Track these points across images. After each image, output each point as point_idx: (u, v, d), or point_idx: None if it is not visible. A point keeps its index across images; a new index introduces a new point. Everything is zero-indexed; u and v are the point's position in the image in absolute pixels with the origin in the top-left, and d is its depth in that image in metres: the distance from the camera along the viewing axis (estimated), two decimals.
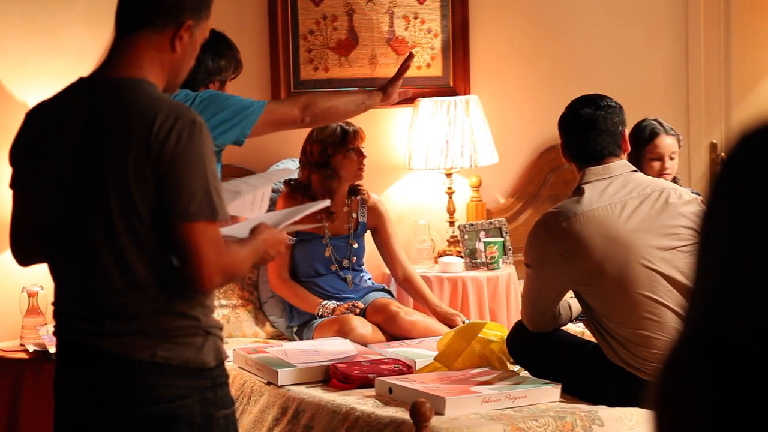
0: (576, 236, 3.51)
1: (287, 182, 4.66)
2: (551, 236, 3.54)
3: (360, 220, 4.73)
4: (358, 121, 4.75)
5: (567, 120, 3.67)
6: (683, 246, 3.54)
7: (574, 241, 3.51)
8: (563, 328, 3.84)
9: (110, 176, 2.33)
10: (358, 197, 4.72)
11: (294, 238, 4.61)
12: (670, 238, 3.55)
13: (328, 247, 4.65)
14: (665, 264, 3.52)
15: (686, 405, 1.01)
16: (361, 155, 4.59)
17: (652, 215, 3.56)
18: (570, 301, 3.76)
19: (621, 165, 3.62)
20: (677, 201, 3.59)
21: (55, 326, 2.49)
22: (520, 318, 3.84)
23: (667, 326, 3.49)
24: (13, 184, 2.50)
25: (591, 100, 3.67)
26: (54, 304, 2.50)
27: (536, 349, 3.73)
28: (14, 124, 2.90)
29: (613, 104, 3.66)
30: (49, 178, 2.41)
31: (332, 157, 4.57)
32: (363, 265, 4.77)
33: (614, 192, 3.57)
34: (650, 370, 3.47)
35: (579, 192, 3.59)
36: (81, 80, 2.47)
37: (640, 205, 3.56)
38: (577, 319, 3.84)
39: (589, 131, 3.60)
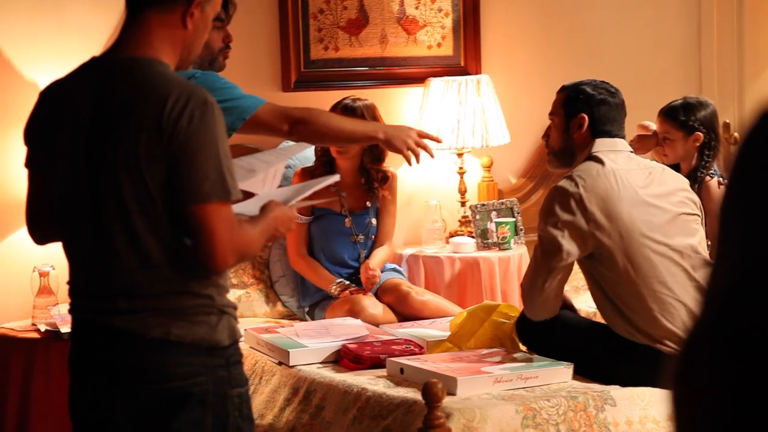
0: (603, 192, 3.56)
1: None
2: (579, 194, 3.56)
3: (374, 201, 4.71)
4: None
5: (604, 98, 3.73)
6: (690, 213, 3.70)
7: (602, 196, 3.56)
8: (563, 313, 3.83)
9: (122, 157, 2.33)
10: (377, 174, 4.66)
11: (309, 217, 4.61)
12: (677, 206, 3.68)
13: (348, 218, 4.64)
14: (677, 231, 3.63)
15: (708, 385, 0.99)
16: None
17: (660, 185, 3.68)
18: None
19: (623, 143, 3.75)
20: (675, 175, 3.80)
21: (70, 305, 2.50)
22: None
23: (678, 286, 3.56)
24: (28, 164, 2.51)
25: (607, 84, 3.81)
26: (69, 283, 2.50)
27: (545, 333, 3.72)
28: (24, 103, 2.90)
29: None
30: (62, 157, 2.41)
31: None
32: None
33: (624, 162, 3.68)
34: (658, 335, 3.50)
35: (590, 160, 3.66)
36: (93, 60, 2.47)
37: (647, 174, 3.69)
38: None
39: (624, 115, 3.77)
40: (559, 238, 3.57)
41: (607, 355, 3.60)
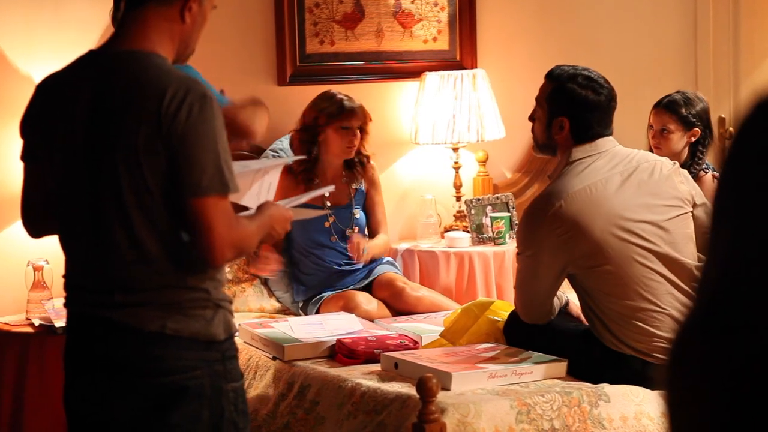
0: (574, 215, 3.48)
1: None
2: (548, 219, 3.49)
3: (359, 188, 4.70)
4: (363, 96, 4.72)
5: (587, 99, 3.61)
6: (677, 216, 3.59)
7: (573, 221, 3.48)
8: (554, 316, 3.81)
9: (120, 150, 2.33)
10: (358, 166, 4.67)
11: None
12: (662, 208, 3.57)
13: (331, 217, 4.62)
14: (657, 235, 3.53)
15: (700, 382, 0.99)
16: (351, 135, 4.53)
17: (642, 187, 3.58)
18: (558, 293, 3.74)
19: (606, 141, 3.64)
20: (665, 171, 3.65)
21: (65, 298, 2.49)
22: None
23: (664, 298, 3.50)
24: (24, 157, 2.50)
25: (594, 80, 3.65)
26: (65, 276, 2.50)
27: (532, 337, 3.70)
28: (20, 97, 2.88)
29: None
30: (59, 150, 2.41)
31: (322, 128, 4.53)
32: (367, 236, 4.73)
33: (602, 167, 3.58)
34: (645, 349, 3.47)
35: (567, 171, 3.58)
36: (91, 53, 2.47)
37: (629, 178, 3.58)
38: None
39: (610, 112, 3.64)
40: (539, 263, 3.53)
41: (593, 362, 3.58)
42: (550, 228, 3.49)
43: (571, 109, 3.60)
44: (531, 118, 3.76)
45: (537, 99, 3.73)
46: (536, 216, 3.53)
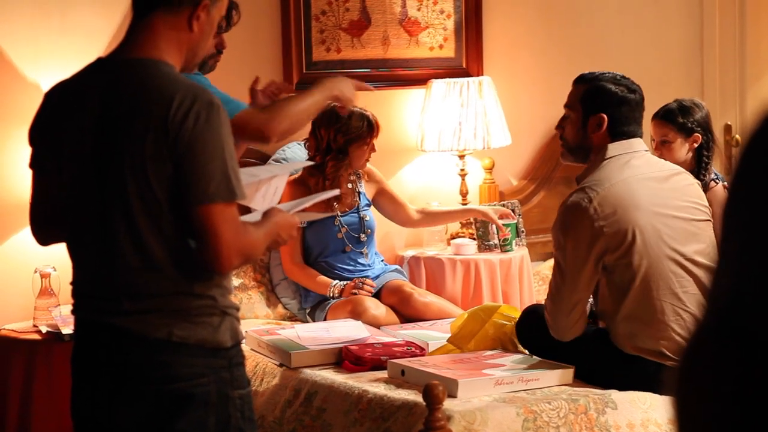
0: (614, 203, 3.49)
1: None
2: (589, 210, 3.48)
3: (361, 191, 4.72)
4: (370, 103, 4.73)
5: (625, 97, 3.63)
6: (704, 220, 3.63)
7: (613, 208, 3.48)
8: None
9: (128, 157, 2.34)
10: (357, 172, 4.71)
11: (305, 222, 4.60)
12: (693, 210, 3.61)
13: (342, 228, 4.63)
14: (687, 233, 3.56)
15: (711, 387, 0.99)
16: (371, 148, 4.60)
17: (676, 188, 3.62)
18: None
19: (639, 142, 3.67)
20: (689, 179, 3.71)
21: (73, 305, 2.50)
22: (530, 305, 3.81)
23: (691, 297, 3.52)
24: (33, 164, 2.51)
25: (627, 79, 3.70)
26: (72, 283, 2.51)
27: (545, 337, 3.69)
28: (26, 104, 2.92)
29: None
30: (67, 158, 2.42)
31: (350, 146, 4.54)
32: (374, 243, 4.75)
33: (640, 165, 3.60)
34: (667, 348, 3.47)
35: (606, 165, 3.59)
36: (99, 60, 2.48)
37: (663, 179, 3.62)
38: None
39: (642, 112, 3.68)
40: (577, 256, 3.50)
41: (607, 363, 3.58)
42: (591, 218, 3.48)
43: (609, 105, 3.62)
44: (559, 126, 3.74)
45: (568, 104, 3.72)
46: (576, 208, 3.51)
